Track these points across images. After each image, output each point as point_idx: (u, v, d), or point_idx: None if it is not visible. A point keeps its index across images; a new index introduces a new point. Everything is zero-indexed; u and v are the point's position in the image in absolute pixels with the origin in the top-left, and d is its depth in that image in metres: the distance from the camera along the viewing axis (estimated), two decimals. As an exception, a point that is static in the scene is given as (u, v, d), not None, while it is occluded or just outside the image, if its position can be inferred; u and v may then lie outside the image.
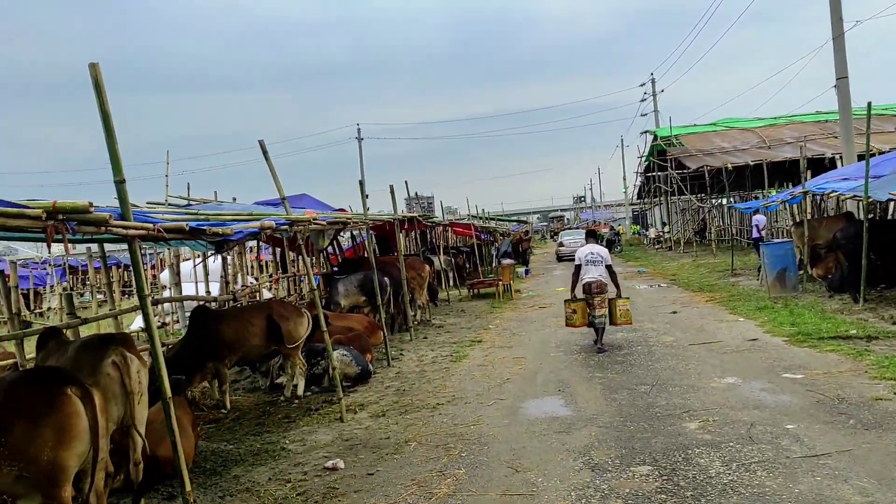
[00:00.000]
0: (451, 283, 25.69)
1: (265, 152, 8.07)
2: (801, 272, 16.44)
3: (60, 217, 4.29)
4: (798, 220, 20.71)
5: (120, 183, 5.02)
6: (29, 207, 4.21)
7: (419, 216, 16.15)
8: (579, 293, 11.77)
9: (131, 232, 5.06)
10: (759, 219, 25.04)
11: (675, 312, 14.75)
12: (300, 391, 9.65)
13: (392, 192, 17.89)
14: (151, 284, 23.60)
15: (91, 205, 4.41)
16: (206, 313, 9.40)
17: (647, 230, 64.29)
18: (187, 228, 5.63)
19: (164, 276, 19.55)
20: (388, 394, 9.51)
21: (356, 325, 12.89)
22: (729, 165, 29.30)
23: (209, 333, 8.95)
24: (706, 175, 29.74)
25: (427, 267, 16.13)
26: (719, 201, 36.49)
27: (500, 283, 21.54)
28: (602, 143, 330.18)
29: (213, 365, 8.90)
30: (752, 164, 27.56)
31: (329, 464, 6.69)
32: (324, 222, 9.46)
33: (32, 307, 27.70)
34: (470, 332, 14.63)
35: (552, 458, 6.35)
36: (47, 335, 6.67)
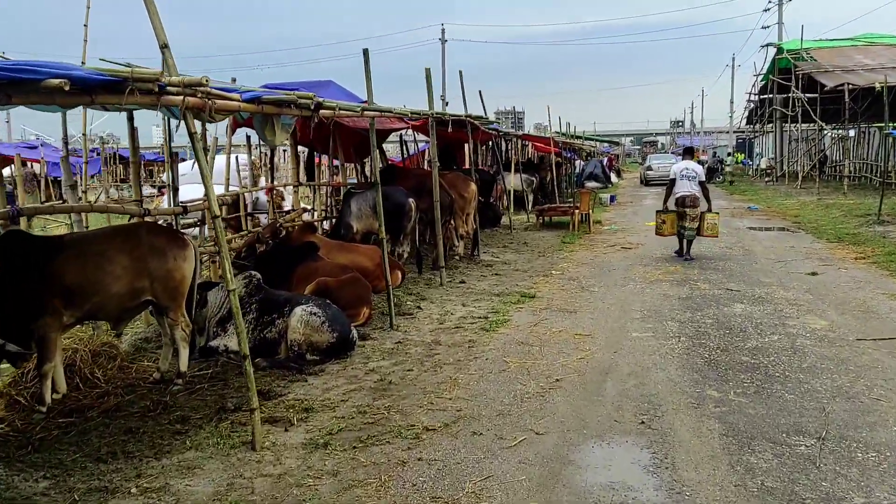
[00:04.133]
0: (525, 206, 21.79)
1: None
2: None
3: None
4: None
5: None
6: None
7: (473, 117, 12.15)
8: (671, 205, 12.40)
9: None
10: (916, 153, 19.79)
11: (814, 274, 10.50)
12: (182, 366, 6.13)
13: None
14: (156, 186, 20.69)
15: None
16: (25, 242, 5.61)
17: (751, 160, 57.94)
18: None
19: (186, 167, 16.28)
20: (361, 391, 5.90)
21: (364, 261, 9.32)
22: (878, 85, 23.64)
23: (32, 275, 5.32)
24: (846, 96, 24.16)
25: (472, 186, 12.24)
26: (848, 130, 30.66)
27: (577, 210, 17.49)
28: (708, 63, 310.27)
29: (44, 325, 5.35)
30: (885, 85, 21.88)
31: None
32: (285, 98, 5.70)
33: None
34: (524, 279, 10.83)
35: None
36: None
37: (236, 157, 13.17)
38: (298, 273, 8.32)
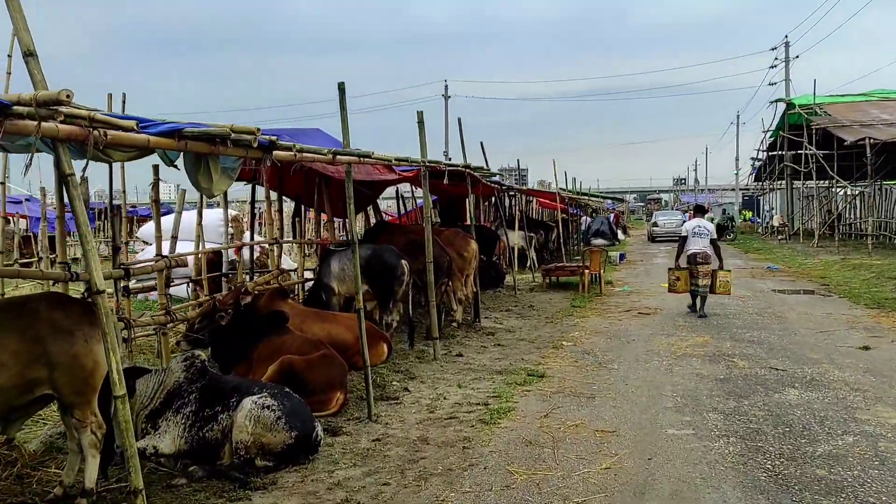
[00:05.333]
0: (529, 265, 20.50)
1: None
2: None
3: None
4: None
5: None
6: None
7: (472, 168, 10.88)
8: (682, 263, 12.41)
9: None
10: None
11: (867, 349, 9.06)
12: (89, 481, 4.64)
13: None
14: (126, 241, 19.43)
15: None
16: None
17: (759, 217, 56.83)
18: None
19: (146, 231, 15.09)
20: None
21: (344, 333, 7.96)
22: (904, 139, 22.50)
23: None
24: (867, 150, 22.95)
25: (472, 244, 10.90)
26: (865, 187, 29.49)
27: (587, 270, 16.13)
28: (711, 121, 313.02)
29: None
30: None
31: None
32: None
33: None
34: (530, 352, 9.41)
35: None
36: None
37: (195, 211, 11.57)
38: (260, 350, 6.94)
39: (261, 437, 5.22)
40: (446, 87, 57.85)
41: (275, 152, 4.77)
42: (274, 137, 4.72)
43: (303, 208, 13.52)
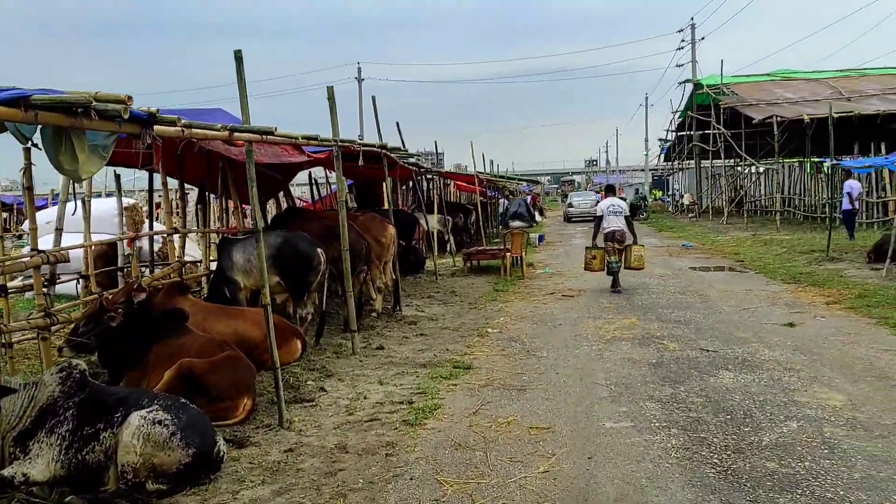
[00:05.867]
0: (449, 249, 20.09)
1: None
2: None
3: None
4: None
5: None
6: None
7: (389, 149, 10.25)
8: (599, 242, 12.68)
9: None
10: (853, 185, 19.00)
11: (791, 325, 8.99)
12: None
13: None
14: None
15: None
16: None
17: (669, 196, 58.27)
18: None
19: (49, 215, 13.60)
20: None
21: (252, 330, 7.25)
22: (806, 117, 23.11)
23: None
24: (774, 128, 23.49)
25: (390, 229, 10.31)
26: (772, 165, 30.37)
27: (509, 253, 15.79)
28: (620, 108, 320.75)
29: None
30: (832, 116, 21.13)
31: None
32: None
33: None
34: (455, 341, 8.92)
35: None
36: None
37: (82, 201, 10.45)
38: (156, 354, 6.18)
39: (152, 457, 4.51)
40: (359, 69, 56.58)
41: (157, 128, 4.05)
42: (154, 109, 4.00)
43: (207, 195, 12.59)
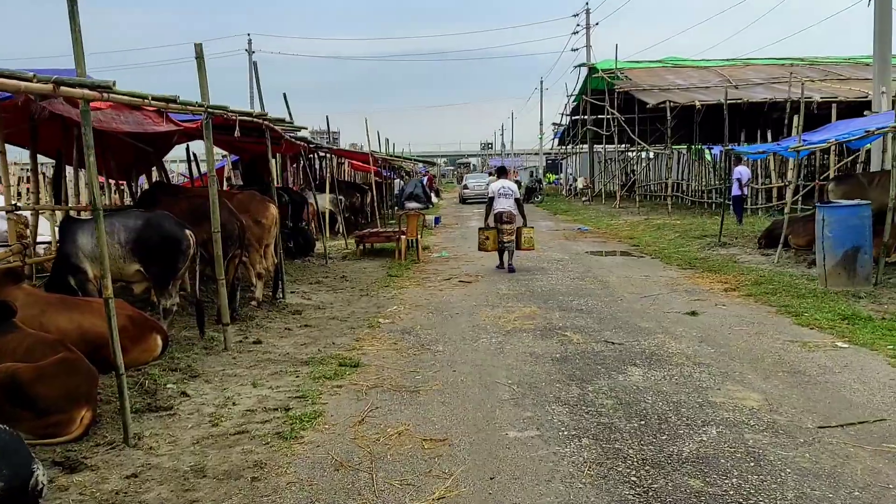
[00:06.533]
0: (338, 229, 19.18)
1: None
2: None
3: None
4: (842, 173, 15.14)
5: None
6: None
7: (269, 120, 9.21)
8: (491, 222, 12.77)
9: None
10: (742, 171, 19.39)
11: (694, 314, 8.69)
12: None
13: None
14: None
15: None
16: None
17: (562, 180, 59.11)
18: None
19: None
20: None
21: (99, 324, 6.14)
22: (697, 103, 23.47)
23: None
24: (668, 113, 23.80)
25: (272, 209, 9.32)
26: (660, 151, 31.02)
27: (404, 236, 15.05)
28: (517, 91, 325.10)
29: None
30: (726, 103, 21.61)
31: None
32: None
33: None
34: (343, 333, 8.10)
35: None
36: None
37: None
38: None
39: (-64, 499, 3.50)
40: (250, 41, 54.04)
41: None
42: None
43: (65, 168, 11.13)
